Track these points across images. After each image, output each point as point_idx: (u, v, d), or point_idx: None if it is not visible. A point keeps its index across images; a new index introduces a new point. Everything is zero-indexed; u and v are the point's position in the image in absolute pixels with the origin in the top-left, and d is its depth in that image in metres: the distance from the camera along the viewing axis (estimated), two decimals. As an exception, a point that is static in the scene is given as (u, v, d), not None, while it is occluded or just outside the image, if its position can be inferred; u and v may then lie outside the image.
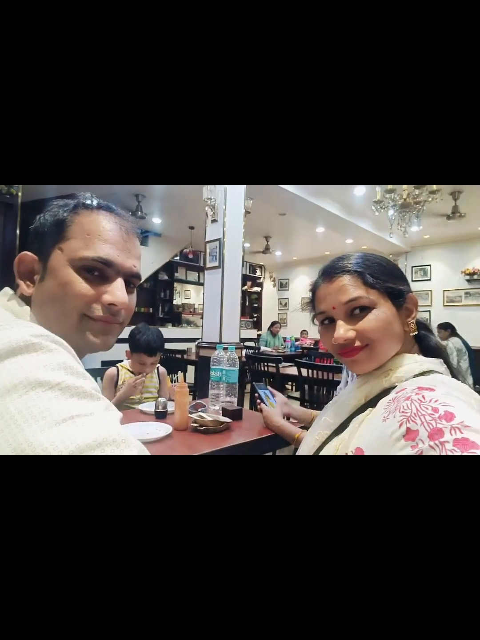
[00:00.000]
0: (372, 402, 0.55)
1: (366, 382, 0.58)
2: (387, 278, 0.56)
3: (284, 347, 5.17)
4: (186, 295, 7.77)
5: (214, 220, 3.06)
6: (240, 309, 3.08)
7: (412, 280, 6.40)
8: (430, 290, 6.16)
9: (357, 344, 0.54)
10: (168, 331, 5.45)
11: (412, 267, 6.40)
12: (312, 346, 4.92)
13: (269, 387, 1.27)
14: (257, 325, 7.95)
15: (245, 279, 8.08)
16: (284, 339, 5.45)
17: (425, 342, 0.60)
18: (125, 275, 0.47)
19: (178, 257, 6.56)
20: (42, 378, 0.30)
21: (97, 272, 0.45)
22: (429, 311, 6.10)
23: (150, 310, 6.21)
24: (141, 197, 4.20)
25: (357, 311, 0.55)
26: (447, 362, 0.57)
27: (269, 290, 8.48)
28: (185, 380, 1.28)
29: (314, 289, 0.61)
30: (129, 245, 0.48)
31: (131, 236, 0.49)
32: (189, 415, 1.18)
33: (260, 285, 8.45)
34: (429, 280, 6.21)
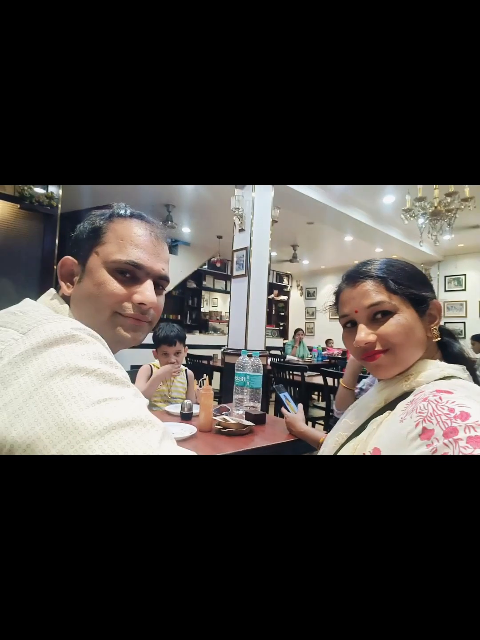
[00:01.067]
0: (391, 405, 0.56)
1: (387, 386, 0.59)
2: (410, 284, 0.57)
3: (311, 357, 5.11)
4: (214, 303, 7.88)
5: (241, 230, 3.12)
6: (265, 317, 3.10)
7: (445, 291, 6.18)
8: (465, 301, 5.93)
9: (379, 348, 0.56)
10: (195, 338, 5.55)
11: (446, 276, 6.19)
12: (340, 356, 4.84)
13: (286, 392, 1.28)
14: (284, 334, 7.92)
15: (271, 287, 8.09)
16: (311, 349, 5.39)
17: (448, 348, 0.60)
18: (154, 277, 0.52)
19: (206, 266, 6.69)
20: (80, 365, 0.34)
21: (129, 274, 0.49)
22: (464, 322, 5.86)
23: (179, 317, 6.34)
24: (171, 208, 4.34)
25: (379, 316, 0.56)
26: (471, 369, 0.57)
27: (296, 299, 8.45)
28: (210, 384, 1.32)
29: (338, 292, 0.63)
30: (158, 249, 0.52)
31: (160, 241, 0.53)
32: (213, 417, 1.21)
33: (288, 293, 8.43)
34: (464, 290, 5.98)
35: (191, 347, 4.92)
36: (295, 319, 8.22)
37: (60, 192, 3.24)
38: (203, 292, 6.90)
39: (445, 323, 0.61)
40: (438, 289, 6.13)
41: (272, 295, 8.02)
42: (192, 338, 5.48)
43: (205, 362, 3.47)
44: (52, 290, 0.51)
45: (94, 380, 0.34)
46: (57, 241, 3.23)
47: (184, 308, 6.44)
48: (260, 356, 1.47)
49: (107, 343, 0.46)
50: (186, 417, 1.34)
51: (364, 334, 0.56)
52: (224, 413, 1.36)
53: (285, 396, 1.25)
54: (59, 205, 3.20)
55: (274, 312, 8.15)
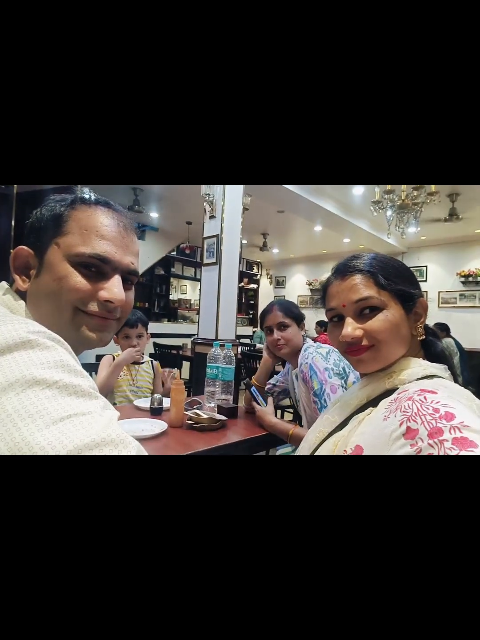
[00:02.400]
0: (373, 402, 0.55)
1: (369, 382, 0.58)
2: (399, 281, 0.57)
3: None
4: (182, 290, 7.75)
5: (211, 217, 3.04)
6: (237, 306, 3.08)
7: (408, 281, 6.43)
8: (426, 291, 6.19)
9: (364, 343, 0.55)
10: (164, 326, 5.44)
11: (409, 267, 6.43)
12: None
13: (254, 388, 1.28)
14: (253, 322, 7.95)
15: (241, 275, 8.02)
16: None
17: (431, 347, 0.61)
18: (122, 272, 0.47)
19: (175, 253, 6.53)
20: (38, 376, 0.30)
21: (94, 268, 0.44)
22: (424, 312, 6.14)
23: (146, 305, 6.18)
24: (139, 191, 4.17)
25: (366, 311, 0.55)
26: (451, 369, 0.58)
27: (265, 288, 8.48)
28: (180, 377, 1.28)
29: (326, 285, 0.62)
30: (126, 241, 0.47)
31: (129, 232, 0.48)
32: (185, 412, 1.18)
33: (257, 282, 8.44)
34: (425, 281, 6.24)
35: (159, 336, 4.84)
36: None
37: (17, 170, 2.99)
38: (172, 279, 6.76)
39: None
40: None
41: (242, 284, 8.00)
42: (161, 327, 5.37)
43: (174, 351, 3.41)
44: (4, 284, 0.45)
45: (56, 393, 0.30)
46: (13, 223, 3.01)
47: (152, 296, 6.28)
48: (232, 346, 1.45)
49: (70, 345, 0.42)
50: (156, 411, 1.30)
51: (351, 328, 0.55)
52: (195, 407, 1.32)
53: (254, 390, 1.25)
54: (15, 185, 2.97)
55: (243, 301, 8.14)
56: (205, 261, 3.09)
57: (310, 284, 7.48)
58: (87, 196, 0.46)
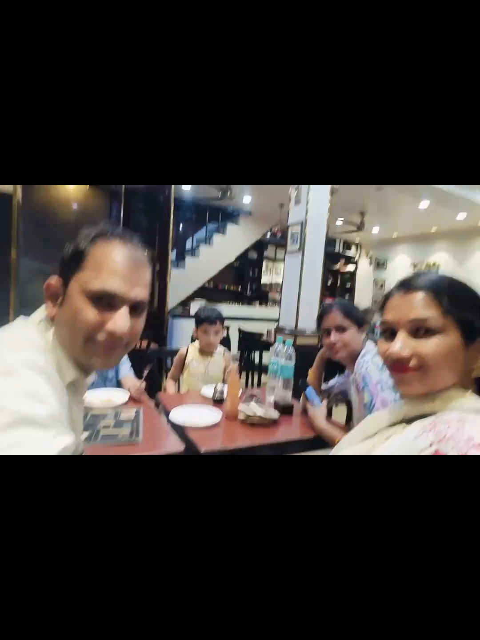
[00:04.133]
0: (408, 421, 0.55)
1: (409, 402, 0.57)
2: (466, 308, 0.53)
3: (375, 336, 4.86)
4: (277, 271, 7.79)
5: (297, 202, 2.98)
6: (319, 295, 3.00)
7: None
8: None
9: (412, 364, 0.53)
10: (255, 310, 5.60)
11: None
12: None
13: (312, 388, 1.27)
14: (348, 306, 7.59)
15: (337, 257, 7.70)
16: (374, 326, 5.11)
17: None
18: (130, 303, 0.53)
19: (269, 236, 6.57)
20: (3, 404, 0.38)
21: (104, 300, 0.51)
22: None
23: (239, 288, 6.42)
24: (231, 179, 4.29)
25: (421, 331, 0.53)
26: None
27: (364, 270, 7.95)
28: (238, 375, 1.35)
29: (388, 297, 0.60)
30: (135, 275, 0.53)
31: (139, 265, 0.54)
32: (241, 405, 1.25)
33: (355, 263, 7.97)
34: None
35: (246, 320, 5.02)
36: (363, 292, 7.79)
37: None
38: (265, 262, 6.83)
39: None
40: None
41: (338, 266, 7.65)
42: (252, 311, 5.55)
43: (258, 338, 3.51)
44: (42, 311, 0.55)
45: (10, 422, 0.37)
46: (122, 217, 3.43)
47: (245, 279, 6.48)
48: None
49: (82, 365, 0.51)
50: (219, 401, 1.40)
51: (400, 346, 0.53)
52: (254, 399, 1.39)
53: (309, 391, 1.25)
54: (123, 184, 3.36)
55: (338, 285, 7.80)
56: (289, 248, 3.07)
57: (415, 266, 6.75)
58: (107, 230, 0.53)
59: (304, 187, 2.90)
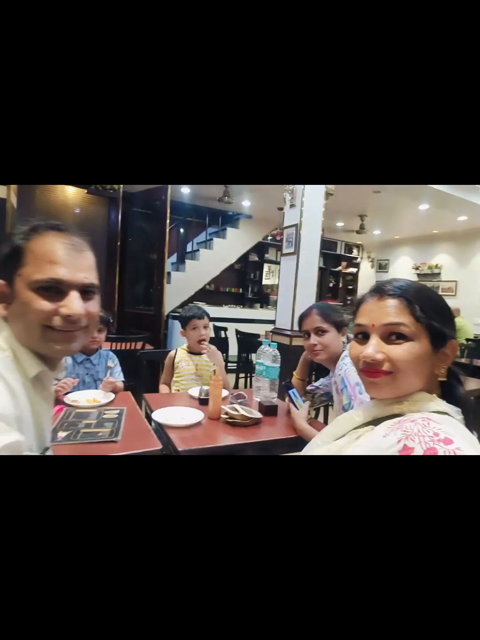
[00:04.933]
0: (376, 422, 0.56)
1: (378, 405, 0.59)
2: (435, 316, 0.55)
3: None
4: (278, 274, 7.77)
5: (292, 205, 3.00)
6: (314, 296, 3.01)
7: None
8: None
9: (384, 368, 0.54)
10: (255, 312, 5.62)
11: (449, 307, 5.24)
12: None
13: (295, 389, 1.28)
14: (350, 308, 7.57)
15: (339, 258, 7.70)
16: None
17: (451, 390, 0.58)
18: (78, 287, 0.54)
19: (270, 238, 6.59)
20: None
21: (52, 290, 0.52)
22: None
23: (240, 290, 6.45)
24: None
25: (393, 337, 0.55)
26: (466, 414, 0.55)
27: (366, 272, 7.94)
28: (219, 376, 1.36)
29: (360, 301, 0.62)
30: (78, 260, 0.54)
31: (80, 251, 0.55)
32: (224, 406, 1.26)
33: (357, 265, 7.96)
34: None
35: (244, 321, 5.04)
36: (364, 293, 7.77)
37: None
38: (266, 265, 6.85)
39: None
40: None
41: (340, 268, 7.65)
42: (252, 313, 5.56)
43: (256, 339, 3.52)
44: None
45: None
46: (119, 221, 3.48)
47: (245, 281, 6.50)
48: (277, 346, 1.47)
49: (43, 356, 0.53)
50: (204, 402, 1.41)
51: (373, 349, 0.54)
52: (239, 400, 1.40)
53: (293, 392, 1.26)
54: (121, 187, 3.41)
55: (341, 286, 7.80)
56: (284, 251, 3.09)
57: (417, 268, 6.73)
58: (39, 225, 0.54)
59: (298, 191, 2.91)
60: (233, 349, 3.88)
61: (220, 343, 3.90)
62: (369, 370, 0.55)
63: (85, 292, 0.56)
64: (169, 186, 3.54)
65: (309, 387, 1.45)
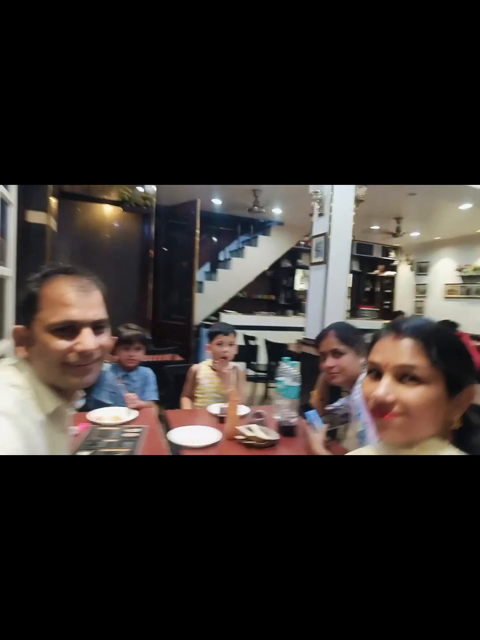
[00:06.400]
0: None
1: (385, 448, 0.58)
2: (453, 362, 0.53)
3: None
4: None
5: (320, 214, 2.96)
6: (344, 307, 2.94)
7: None
8: None
9: (395, 410, 0.52)
10: (288, 320, 5.56)
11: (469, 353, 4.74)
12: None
13: (315, 411, 1.25)
14: (387, 314, 7.28)
15: (376, 262, 7.44)
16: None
17: (464, 437, 0.55)
18: (90, 324, 0.60)
19: (302, 244, 6.52)
20: None
21: (67, 329, 0.58)
22: None
23: (273, 297, 6.42)
24: (258, 192, 4.34)
25: (407, 378, 0.53)
26: None
27: (405, 275, 7.60)
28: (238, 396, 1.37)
29: (376, 338, 0.60)
30: (87, 299, 0.60)
31: (88, 291, 0.61)
32: (240, 427, 1.27)
33: (395, 268, 7.65)
34: None
35: (275, 329, 5.02)
36: (404, 298, 7.45)
37: (155, 189, 3.55)
38: (298, 271, 6.77)
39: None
40: None
41: (377, 271, 7.39)
42: (285, 320, 5.51)
43: (284, 349, 3.50)
44: (10, 359, 0.62)
45: None
46: (153, 236, 3.61)
47: (278, 288, 6.47)
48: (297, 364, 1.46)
49: (63, 391, 0.59)
50: (223, 420, 1.43)
51: (384, 390, 0.53)
52: (257, 419, 1.40)
53: (310, 415, 1.23)
54: (154, 204, 3.54)
55: (378, 290, 7.53)
56: (313, 260, 3.05)
57: (460, 270, 6.34)
58: (50, 271, 0.60)
59: (326, 199, 2.87)
60: (262, 357, 3.88)
61: (249, 351, 3.92)
62: (379, 411, 0.53)
63: (96, 327, 0.61)
64: (198, 200, 3.63)
65: (328, 408, 1.43)
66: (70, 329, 0.58)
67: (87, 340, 0.59)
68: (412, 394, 0.51)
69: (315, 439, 1.16)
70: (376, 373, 0.56)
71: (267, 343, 3.59)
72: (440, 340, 0.53)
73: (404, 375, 0.52)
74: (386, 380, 0.53)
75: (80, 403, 0.71)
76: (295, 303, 6.57)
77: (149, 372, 1.82)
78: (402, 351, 0.53)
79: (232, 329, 1.79)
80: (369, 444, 0.95)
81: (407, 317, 0.58)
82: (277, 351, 3.52)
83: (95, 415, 1.36)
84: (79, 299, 0.59)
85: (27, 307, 0.59)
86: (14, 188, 1.72)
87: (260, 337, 4.01)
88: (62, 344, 0.57)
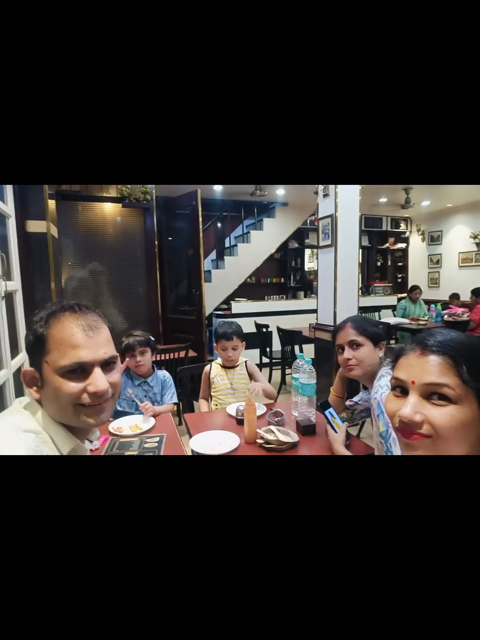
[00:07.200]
0: None
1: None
2: None
3: (426, 317, 4.51)
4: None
5: (325, 195, 2.86)
6: (357, 289, 2.87)
7: None
8: None
9: (423, 431, 0.49)
10: (299, 303, 5.49)
11: None
12: (462, 318, 4.13)
13: (332, 409, 1.22)
14: (401, 288, 7.12)
15: (386, 235, 7.24)
16: (428, 307, 4.75)
17: None
18: (100, 364, 0.58)
19: (308, 223, 6.36)
20: None
21: (77, 371, 0.56)
22: None
23: (282, 279, 6.34)
24: (260, 175, 4.21)
25: (435, 397, 0.49)
26: None
27: (416, 246, 7.38)
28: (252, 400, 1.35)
29: (400, 353, 0.56)
30: (94, 338, 0.58)
31: (96, 329, 0.59)
32: (260, 430, 1.25)
33: (406, 240, 7.43)
34: None
35: (287, 313, 4.95)
36: (417, 270, 7.26)
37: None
38: (307, 250, 6.64)
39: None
40: None
41: (388, 245, 7.20)
42: (296, 304, 5.44)
43: (298, 335, 3.46)
44: (26, 398, 0.61)
45: None
46: (155, 229, 3.55)
47: (287, 270, 6.37)
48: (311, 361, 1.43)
49: (78, 430, 0.58)
50: (241, 422, 1.42)
51: (410, 410, 0.49)
52: (276, 419, 1.38)
53: (329, 413, 1.20)
54: (153, 198, 3.47)
55: (389, 264, 7.35)
56: (321, 243, 2.96)
57: (475, 237, 6.11)
58: (55, 310, 0.58)
59: (331, 178, 2.76)
60: (276, 344, 3.85)
61: (263, 338, 3.89)
62: (406, 430, 0.50)
63: (107, 364, 0.60)
64: (199, 191, 3.54)
65: (348, 402, 1.40)
66: (80, 370, 0.57)
67: (99, 381, 0.57)
68: (441, 414, 0.47)
69: (336, 439, 1.14)
70: (401, 390, 0.52)
71: (279, 330, 3.55)
72: (471, 357, 0.49)
73: (432, 394, 0.49)
74: (413, 399, 0.50)
75: (96, 435, 0.70)
76: (306, 284, 6.47)
77: (166, 375, 1.82)
78: (430, 369, 0.49)
79: (235, 332, 1.75)
80: (392, 445, 0.93)
81: (433, 331, 0.53)
82: (289, 338, 3.49)
83: (115, 425, 1.37)
84: (87, 339, 0.57)
85: (36, 349, 0.58)
86: (10, 200, 1.69)
87: (273, 324, 3.96)
88: (74, 386, 0.56)
